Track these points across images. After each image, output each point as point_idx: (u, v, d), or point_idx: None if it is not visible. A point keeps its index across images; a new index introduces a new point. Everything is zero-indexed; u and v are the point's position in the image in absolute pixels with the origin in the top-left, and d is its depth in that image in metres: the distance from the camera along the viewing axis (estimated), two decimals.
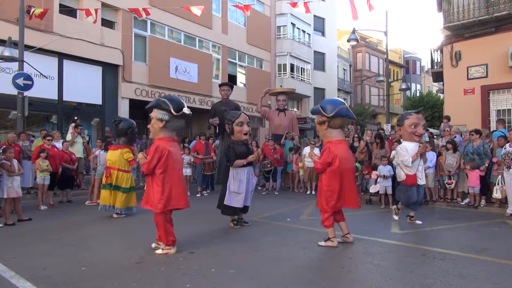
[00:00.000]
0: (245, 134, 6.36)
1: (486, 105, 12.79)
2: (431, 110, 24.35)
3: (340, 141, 5.29)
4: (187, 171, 11.06)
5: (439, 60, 17.01)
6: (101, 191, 7.69)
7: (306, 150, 11.26)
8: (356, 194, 5.47)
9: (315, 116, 5.49)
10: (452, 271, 4.16)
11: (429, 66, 21.60)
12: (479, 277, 3.98)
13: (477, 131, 8.94)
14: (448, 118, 11.84)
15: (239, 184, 6.21)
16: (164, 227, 4.82)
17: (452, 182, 8.93)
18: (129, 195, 7.57)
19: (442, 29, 13.88)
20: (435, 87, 42.84)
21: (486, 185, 8.55)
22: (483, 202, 8.58)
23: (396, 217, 6.90)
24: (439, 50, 16.58)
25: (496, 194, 7.76)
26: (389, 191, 8.66)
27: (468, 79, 13.17)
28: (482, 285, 3.75)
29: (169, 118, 4.89)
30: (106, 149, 8.96)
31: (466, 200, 8.81)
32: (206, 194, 10.89)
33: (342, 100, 5.44)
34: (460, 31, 13.28)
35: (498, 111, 12.68)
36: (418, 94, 32.36)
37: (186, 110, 4.97)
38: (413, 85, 39.62)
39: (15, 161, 7.12)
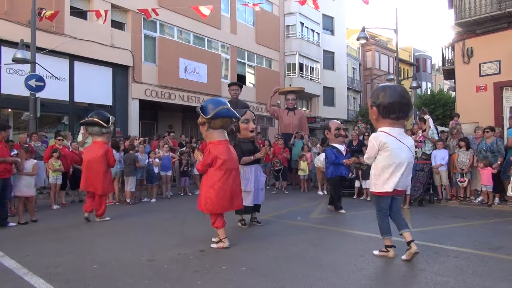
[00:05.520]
0: (251, 131, 6.30)
1: (499, 102, 12.58)
2: (442, 108, 24.04)
3: (221, 142, 5.18)
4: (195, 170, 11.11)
5: (450, 58, 16.79)
6: None
7: (321, 159, 11.18)
8: (241, 194, 5.39)
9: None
10: (466, 269, 4.09)
11: (440, 64, 21.33)
12: (495, 274, 3.91)
13: (492, 128, 8.82)
14: (458, 116, 11.68)
15: (247, 182, 6.14)
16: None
17: (465, 180, 8.80)
18: None
19: (454, 26, 13.69)
20: (446, 85, 42.30)
21: (500, 183, 8.40)
22: (496, 200, 8.45)
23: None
24: (450, 47, 16.37)
25: (510, 192, 7.59)
26: (407, 190, 8.38)
27: (480, 76, 12.96)
28: (498, 283, 3.68)
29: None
30: (117, 149, 9.22)
31: (479, 198, 8.68)
32: None
33: (224, 100, 5.32)
34: (472, 28, 13.09)
35: None
36: (429, 92, 31.99)
37: (89, 119, 7.15)
38: (423, 83, 39.20)
39: (30, 162, 7.18)
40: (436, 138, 9.63)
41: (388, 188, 4.35)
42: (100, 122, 7.04)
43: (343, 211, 7.82)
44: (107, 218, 7.19)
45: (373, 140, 4.40)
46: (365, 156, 4.60)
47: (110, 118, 7.29)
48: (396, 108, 4.30)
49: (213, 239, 5.27)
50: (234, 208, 5.30)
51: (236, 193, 5.24)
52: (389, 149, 4.29)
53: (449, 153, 9.27)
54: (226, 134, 5.35)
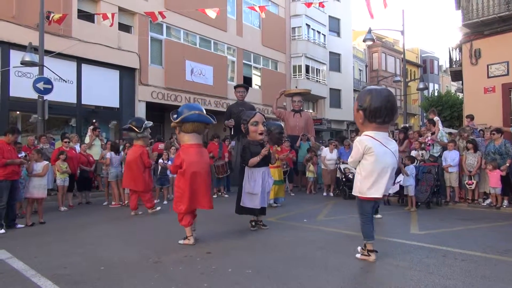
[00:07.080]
0: (260, 134, 6.25)
1: (507, 103, 12.48)
2: (450, 110, 23.82)
3: (191, 145, 5.37)
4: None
5: (458, 59, 16.67)
6: None
7: (325, 152, 11.17)
8: (209, 195, 5.54)
9: None
10: (474, 272, 4.05)
11: (448, 65, 21.17)
12: (503, 278, 3.87)
13: (498, 130, 8.72)
14: (472, 117, 11.44)
15: (254, 184, 6.08)
16: None
17: (473, 183, 8.73)
18: (278, 187, 8.63)
19: (461, 27, 13.61)
20: (453, 86, 42.06)
21: (508, 185, 8.32)
22: (505, 202, 8.35)
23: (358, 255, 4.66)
24: (457, 49, 16.26)
25: None
26: (411, 192, 8.36)
27: (488, 77, 12.87)
28: (507, 286, 3.64)
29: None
30: (117, 152, 9.25)
31: (488, 201, 8.59)
32: (226, 196, 10.72)
33: (198, 106, 5.59)
34: (480, 28, 13.00)
35: None
36: (436, 94, 31.78)
37: (125, 126, 8.17)
38: (431, 84, 38.99)
39: (42, 163, 7.21)
40: (445, 140, 9.46)
41: (378, 194, 4.33)
42: (133, 127, 7.93)
43: (379, 216, 7.27)
44: (158, 208, 8.13)
45: (358, 144, 4.35)
46: (349, 159, 4.56)
47: (144, 124, 8.09)
48: (382, 113, 4.26)
49: (179, 242, 5.42)
50: (200, 207, 5.47)
51: (202, 193, 5.42)
52: (374, 154, 4.26)
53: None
54: (199, 138, 5.53)
